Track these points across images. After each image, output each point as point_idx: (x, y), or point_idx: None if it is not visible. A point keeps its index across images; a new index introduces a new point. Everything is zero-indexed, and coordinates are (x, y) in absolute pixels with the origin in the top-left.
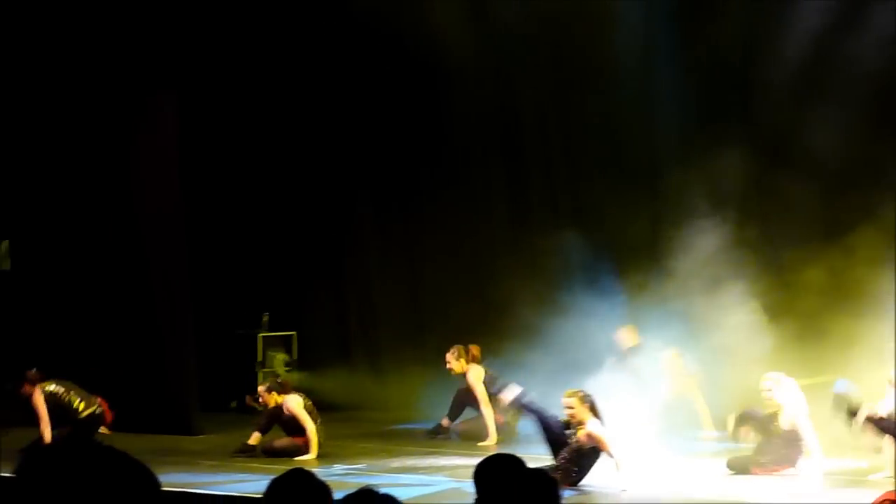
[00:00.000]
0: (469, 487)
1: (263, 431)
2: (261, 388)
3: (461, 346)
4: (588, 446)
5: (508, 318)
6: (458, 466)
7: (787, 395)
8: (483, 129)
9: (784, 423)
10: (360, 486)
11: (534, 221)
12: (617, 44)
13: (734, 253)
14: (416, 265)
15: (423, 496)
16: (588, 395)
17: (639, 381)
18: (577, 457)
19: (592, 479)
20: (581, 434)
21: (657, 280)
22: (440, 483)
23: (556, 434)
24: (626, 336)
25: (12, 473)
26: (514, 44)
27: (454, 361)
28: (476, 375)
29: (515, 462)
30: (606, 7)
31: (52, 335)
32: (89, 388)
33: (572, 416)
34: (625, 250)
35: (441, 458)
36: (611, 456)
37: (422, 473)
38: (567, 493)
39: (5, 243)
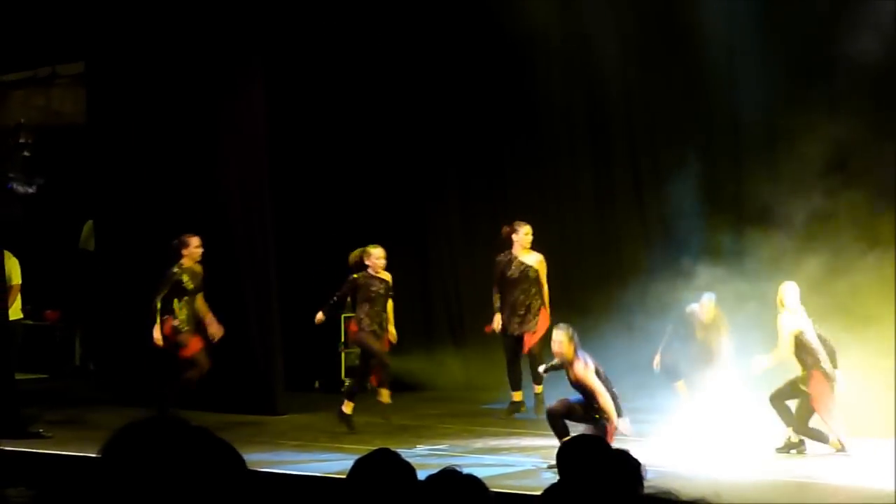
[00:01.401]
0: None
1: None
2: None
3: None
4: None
5: (592, 295)
6: (541, 447)
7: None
8: (568, 107)
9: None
10: (442, 467)
11: (618, 199)
12: (701, 18)
13: (821, 227)
14: (500, 244)
15: (506, 476)
16: (575, 335)
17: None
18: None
19: (667, 461)
20: (571, 375)
21: (743, 259)
22: (523, 464)
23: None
24: (703, 309)
25: (97, 454)
26: (600, 19)
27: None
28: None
29: (599, 443)
30: None
31: (138, 316)
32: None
33: (559, 352)
34: (709, 229)
35: (524, 439)
36: (596, 402)
37: (505, 454)
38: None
39: (89, 224)
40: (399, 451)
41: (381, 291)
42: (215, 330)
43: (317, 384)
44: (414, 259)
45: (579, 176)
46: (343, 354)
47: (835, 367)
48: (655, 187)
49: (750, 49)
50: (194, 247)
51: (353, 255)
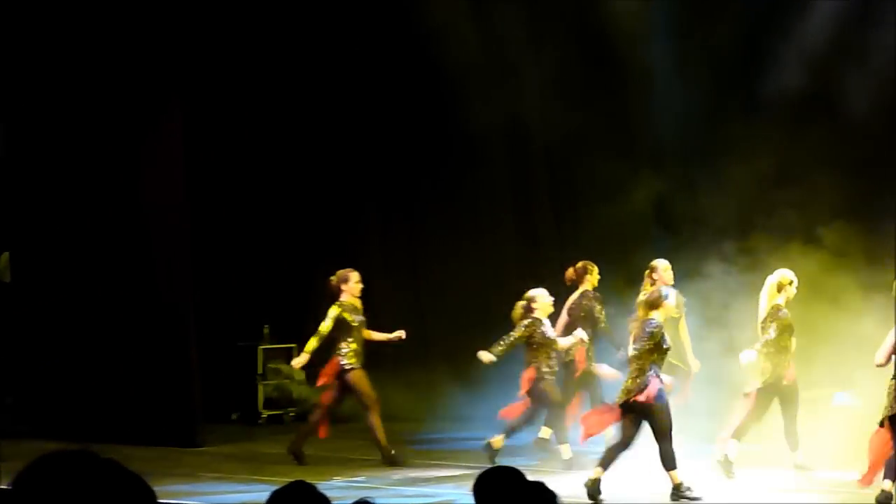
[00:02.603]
0: (470, 499)
1: None
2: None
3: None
4: None
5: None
6: (460, 477)
7: None
8: (487, 140)
9: None
10: (357, 499)
11: (538, 226)
12: (623, 50)
13: (745, 260)
14: (420, 274)
15: None
16: None
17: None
18: None
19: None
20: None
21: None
22: (442, 495)
23: None
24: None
25: (9, 485)
26: (521, 53)
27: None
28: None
29: (515, 475)
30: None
31: (53, 347)
32: (90, 398)
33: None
34: (624, 253)
35: (444, 470)
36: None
37: (423, 485)
38: None
39: (6, 255)
40: (316, 483)
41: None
42: (398, 334)
43: (234, 416)
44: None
45: (498, 204)
46: (260, 386)
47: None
48: (575, 221)
49: (670, 83)
50: (354, 282)
51: (517, 309)
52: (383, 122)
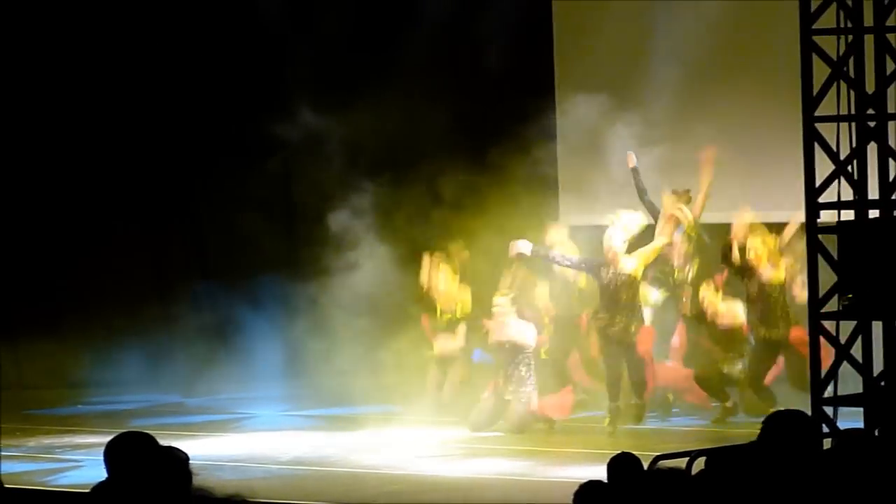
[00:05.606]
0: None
1: None
2: None
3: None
4: None
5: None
6: (94, 444)
7: None
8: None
9: None
10: None
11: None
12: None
13: None
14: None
15: (52, 472)
16: None
17: None
18: None
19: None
20: None
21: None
22: (77, 461)
23: None
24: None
25: None
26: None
27: None
28: None
29: (146, 440)
30: None
31: None
32: None
33: None
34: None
35: (77, 437)
36: None
37: (59, 452)
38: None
39: None
40: None
41: None
42: None
43: None
44: None
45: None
46: None
47: None
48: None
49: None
50: None
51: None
52: None
